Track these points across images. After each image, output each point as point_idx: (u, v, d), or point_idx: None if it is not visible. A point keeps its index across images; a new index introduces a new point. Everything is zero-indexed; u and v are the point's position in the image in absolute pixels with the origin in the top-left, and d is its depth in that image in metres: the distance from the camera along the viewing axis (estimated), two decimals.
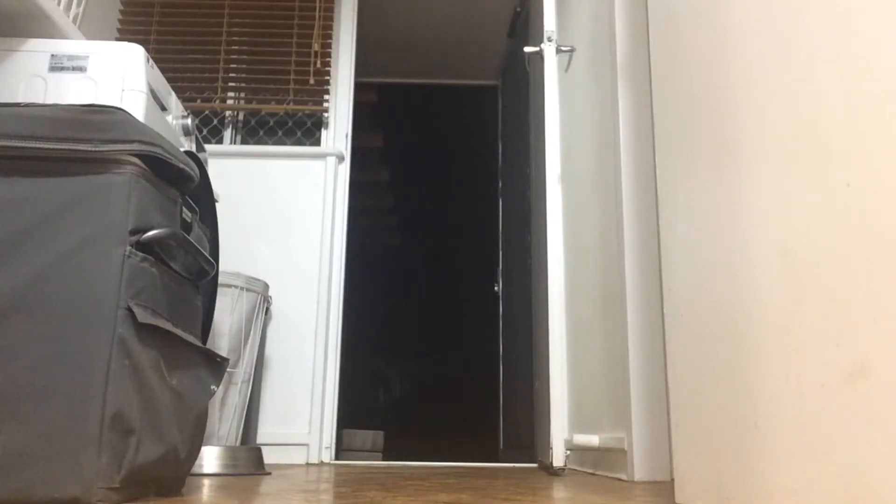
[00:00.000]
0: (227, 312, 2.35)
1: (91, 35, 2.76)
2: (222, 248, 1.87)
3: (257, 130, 3.35)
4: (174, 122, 2.00)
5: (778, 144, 0.94)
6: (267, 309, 2.63)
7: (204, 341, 1.43)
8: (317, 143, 3.29)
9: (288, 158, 3.16)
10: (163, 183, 1.22)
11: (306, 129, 3.33)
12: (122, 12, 3.22)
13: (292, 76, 3.24)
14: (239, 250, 3.00)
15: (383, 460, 3.64)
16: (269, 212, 3.09)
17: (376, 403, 6.53)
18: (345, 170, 3.20)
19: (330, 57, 3.29)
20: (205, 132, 3.27)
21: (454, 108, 5.68)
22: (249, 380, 2.45)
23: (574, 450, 2.51)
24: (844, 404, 0.78)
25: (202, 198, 1.48)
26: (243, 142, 3.34)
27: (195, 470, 2.07)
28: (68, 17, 1.91)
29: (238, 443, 2.38)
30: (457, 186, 6.27)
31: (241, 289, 2.41)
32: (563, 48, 2.58)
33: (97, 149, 1.12)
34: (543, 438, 2.46)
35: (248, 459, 2.23)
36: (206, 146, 2.58)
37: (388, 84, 4.94)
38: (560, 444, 2.19)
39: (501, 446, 4.37)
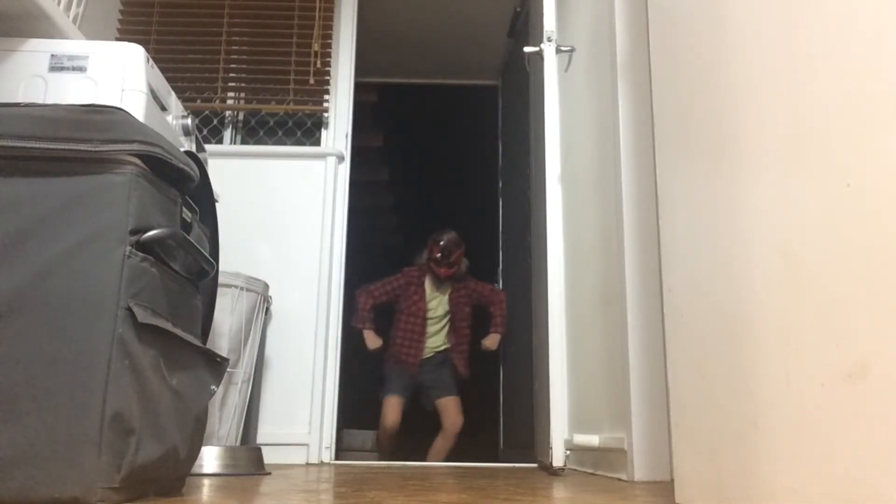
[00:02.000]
0: (227, 312, 2.35)
1: (91, 35, 2.76)
2: (222, 248, 1.86)
3: (257, 130, 3.35)
4: (174, 122, 1.99)
5: (778, 144, 0.94)
6: (267, 309, 2.63)
7: (204, 341, 1.43)
8: (317, 143, 3.29)
9: (288, 158, 3.16)
10: (163, 183, 1.21)
11: (306, 129, 3.33)
12: (122, 12, 3.22)
13: (292, 76, 3.24)
14: (239, 250, 3.00)
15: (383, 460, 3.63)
16: (269, 212, 3.09)
17: (376, 403, 6.51)
18: (345, 170, 3.20)
19: (330, 57, 3.29)
20: (205, 132, 3.27)
21: (454, 108, 5.67)
22: (249, 380, 2.45)
23: (574, 450, 2.51)
24: (844, 404, 0.78)
25: (202, 198, 1.48)
26: (243, 142, 3.34)
27: (195, 470, 2.07)
28: (68, 17, 1.91)
29: (238, 443, 2.38)
30: (457, 186, 6.27)
31: (241, 289, 2.41)
32: (563, 48, 2.58)
33: (97, 149, 1.12)
34: (543, 438, 2.46)
35: (248, 459, 2.23)
36: (206, 146, 2.58)
37: (388, 84, 4.94)
38: (560, 444, 2.18)
39: (501, 446, 4.37)
